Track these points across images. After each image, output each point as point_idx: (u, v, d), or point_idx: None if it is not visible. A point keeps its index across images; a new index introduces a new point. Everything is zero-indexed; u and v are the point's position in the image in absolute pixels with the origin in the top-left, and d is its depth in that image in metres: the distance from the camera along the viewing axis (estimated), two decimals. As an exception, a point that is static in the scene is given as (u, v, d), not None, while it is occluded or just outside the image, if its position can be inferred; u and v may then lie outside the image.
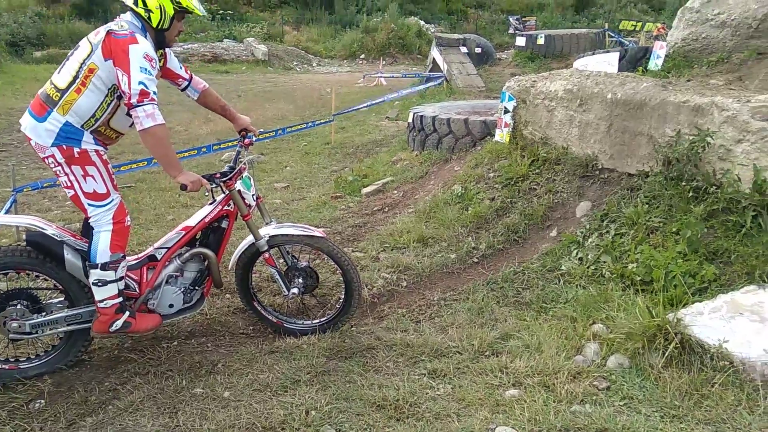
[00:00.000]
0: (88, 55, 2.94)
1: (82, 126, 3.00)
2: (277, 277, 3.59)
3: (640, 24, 20.36)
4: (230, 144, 6.65)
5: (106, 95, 2.98)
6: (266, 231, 3.52)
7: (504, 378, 3.02)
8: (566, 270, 4.07)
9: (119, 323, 3.14)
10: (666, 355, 2.94)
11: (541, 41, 17.44)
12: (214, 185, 3.24)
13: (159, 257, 3.34)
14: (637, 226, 4.05)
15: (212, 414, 2.81)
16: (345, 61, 25.07)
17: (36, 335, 3.19)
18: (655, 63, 6.49)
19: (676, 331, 2.98)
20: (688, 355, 2.92)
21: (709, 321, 3.07)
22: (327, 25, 28.16)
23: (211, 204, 3.41)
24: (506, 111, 5.70)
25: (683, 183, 3.95)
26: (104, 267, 3.04)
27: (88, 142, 3.02)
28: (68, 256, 3.09)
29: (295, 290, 3.57)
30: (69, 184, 3.04)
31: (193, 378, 3.16)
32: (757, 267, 3.35)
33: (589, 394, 2.84)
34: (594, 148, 4.84)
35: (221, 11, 26.80)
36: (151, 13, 3.00)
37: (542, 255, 4.33)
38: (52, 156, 2.99)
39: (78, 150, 2.98)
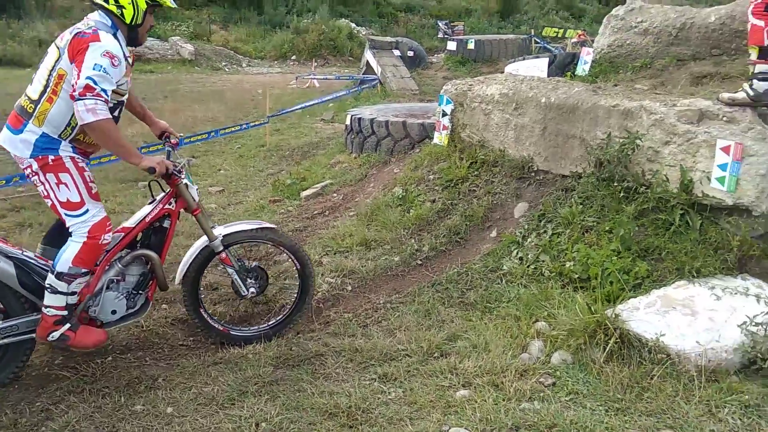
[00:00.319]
0: (56, 61, 2.84)
1: (59, 136, 2.90)
2: (236, 276, 3.48)
3: (562, 31, 21.23)
4: (158, 147, 6.40)
5: None
6: (219, 231, 3.42)
7: (454, 379, 3.04)
8: (508, 270, 4.16)
9: (56, 334, 2.99)
10: (607, 350, 3.05)
11: (471, 46, 17.85)
12: (176, 169, 3.16)
13: (98, 262, 3.17)
14: (573, 226, 4.18)
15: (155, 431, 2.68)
16: (276, 62, 24.72)
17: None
18: (583, 68, 6.74)
19: (615, 326, 3.09)
20: (628, 350, 3.05)
21: (645, 316, 3.21)
22: (256, 25, 27.64)
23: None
24: (444, 114, 5.77)
25: (615, 184, 4.11)
26: (59, 276, 2.91)
27: (65, 150, 2.92)
28: None
29: (254, 290, 3.51)
30: (46, 194, 2.94)
31: (132, 394, 3.01)
32: (687, 263, 3.53)
33: (537, 391, 2.91)
34: (529, 150, 4.97)
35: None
36: (123, 9, 2.90)
37: (484, 255, 4.40)
38: (30, 167, 2.91)
39: (53, 157, 2.88)
